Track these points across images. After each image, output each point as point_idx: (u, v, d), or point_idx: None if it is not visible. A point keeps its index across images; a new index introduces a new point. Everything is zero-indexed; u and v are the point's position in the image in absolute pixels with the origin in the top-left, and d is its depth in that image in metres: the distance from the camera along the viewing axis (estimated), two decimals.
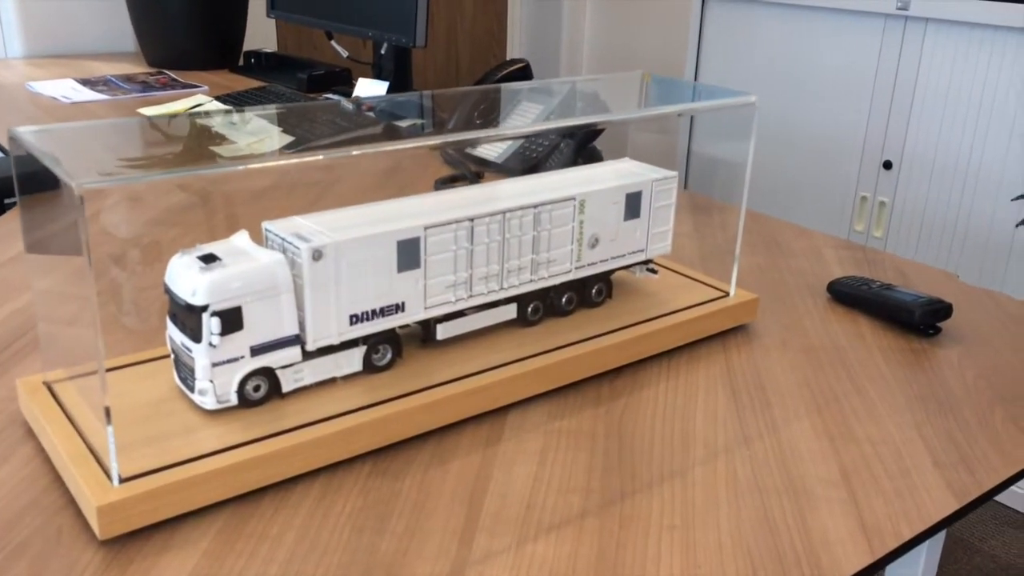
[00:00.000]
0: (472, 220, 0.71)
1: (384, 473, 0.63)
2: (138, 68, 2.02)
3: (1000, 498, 1.92)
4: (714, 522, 0.59)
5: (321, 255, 0.63)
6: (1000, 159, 1.75)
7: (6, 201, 1.15)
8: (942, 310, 0.86)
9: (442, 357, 0.72)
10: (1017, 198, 1.32)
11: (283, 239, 0.65)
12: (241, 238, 0.66)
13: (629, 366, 0.78)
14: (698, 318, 0.82)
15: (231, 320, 0.61)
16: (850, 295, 0.92)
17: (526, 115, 1.41)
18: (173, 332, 0.64)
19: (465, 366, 0.71)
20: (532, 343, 0.75)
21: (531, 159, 1.30)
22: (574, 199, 0.77)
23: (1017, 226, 1.48)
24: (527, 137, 1.35)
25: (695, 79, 2.27)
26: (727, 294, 0.86)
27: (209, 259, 0.62)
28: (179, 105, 1.62)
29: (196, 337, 0.60)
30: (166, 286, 0.63)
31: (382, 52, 1.61)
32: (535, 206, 0.75)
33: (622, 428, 0.69)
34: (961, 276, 1.86)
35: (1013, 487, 1.90)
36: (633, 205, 0.81)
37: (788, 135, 2.11)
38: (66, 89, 1.72)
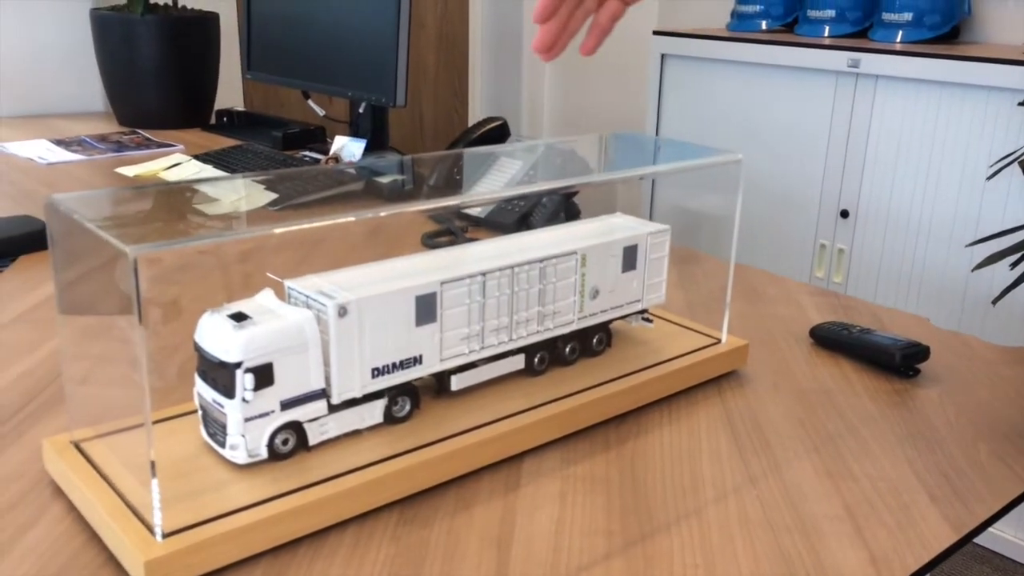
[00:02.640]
0: (484, 275, 0.74)
1: (411, 521, 0.65)
2: (110, 128, 2.03)
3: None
4: (733, 559, 0.62)
5: (346, 311, 0.66)
6: (951, 208, 1.84)
7: None
8: (920, 352, 0.91)
9: (456, 407, 0.75)
10: (973, 243, 1.39)
11: (307, 296, 0.67)
12: (266, 296, 0.68)
13: (632, 412, 0.81)
14: (694, 364, 0.86)
15: (263, 376, 0.63)
16: (832, 340, 0.97)
17: (505, 172, 1.46)
18: (202, 389, 0.65)
19: (479, 415, 0.74)
20: (540, 392, 0.78)
21: (514, 214, 1.34)
22: (576, 253, 0.80)
23: (974, 270, 1.56)
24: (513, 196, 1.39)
25: (657, 132, 2.35)
26: (719, 341, 0.90)
27: (240, 317, 0.64)
28: (158, 165, 1.64)
29: (229, 393, 0.62)
30: (196, 344, 0.65)
31: (360, 111, 1.65)
32: (541, 260, 0.78)
33: (634, 471, 0.72)
34: None
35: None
36: (630, 258, 0.85)
37: (749, 186, 2.19)
38: (40, 150, 1.73)
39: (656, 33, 2.28)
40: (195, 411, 0.70)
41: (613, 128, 3.02)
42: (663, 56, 2.28)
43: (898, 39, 2.04)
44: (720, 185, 2.21)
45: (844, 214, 2.03)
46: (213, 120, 2.11)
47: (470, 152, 1.43)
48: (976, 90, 1.76)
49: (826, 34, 2.16)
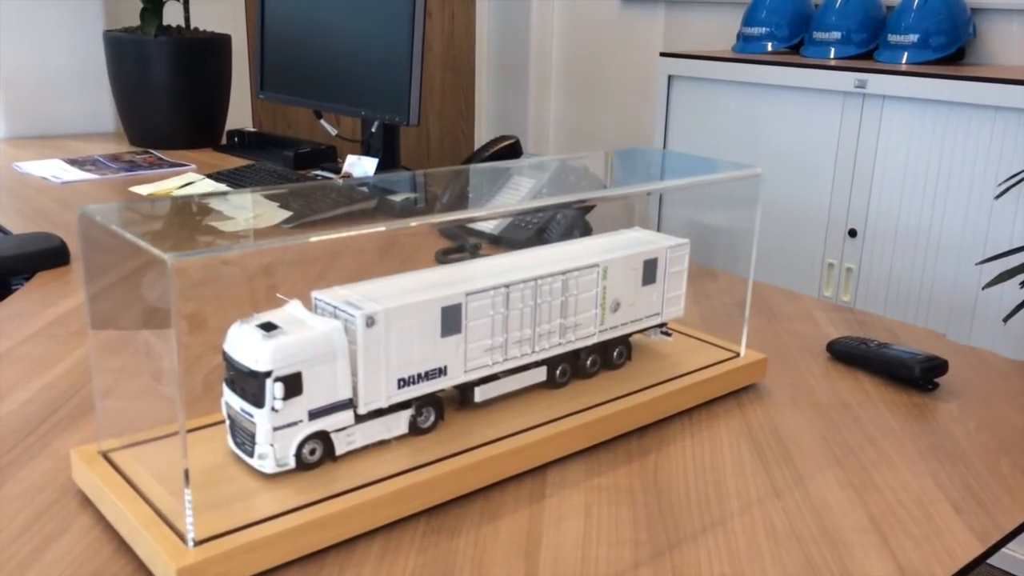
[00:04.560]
0: (508, 287, 0.74)
1: (438, 531, 0.65)
2: (121, 148, 2.04)
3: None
4: (761, 570, 0.62)
5: (374, 321, 0.66)
6: (959, 227, 1.85)
7: (12, 281, 1.16)
8: (939, 366, 0.91)
9: (480, 418, 0.75)
10: (983, 261, 1.40)
11: (335, 307, 0.68)
12: (294, 307, 0.68)
13: (654, 424, 0.82)
14: (714, 378, 0.86)
15: (292, 385, 0.63)
16: (850, 354, 0.97)
17: (518, 189, 1.46)
18: (230, 398, 0.66)
19: (502, 427, 0.74)
20: (561, 404, 0.78)
21: (528, 231, 1.35)
22: (598, 266, 0.81)
23: (984, 288, 1.56)
24: (526, 212, 1.40)
25: None
26: (738, 354, 0.90)
27: (269, 327, 0.64)
28: (171, 183, 1.65)
29: (258, 402, 0.62)
30: (225, 353, 0.65)
31: (372, 130, 1.66)
32: (563, 273, 0.78)
33: (658, 482, 0.72)
34: None
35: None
36: (650, 271, 0.86)
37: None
38: (55, 169, 1.74)
39: (663, 55, 2.30)
40: (221, 422, 0.71)
41: (620, 146, 3.04)
42: (670, 77, 2.30)
43: (904, 60, 2.05)
44: (731, 201, 2.22)
45: (852, 233, 2.03)
46: (224, 140, 2.12)
47: (482, 167, 1.44)
48: (983, 110, 1.78)
49: (832, 56, 2.18)
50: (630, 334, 0.86)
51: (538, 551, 0.63)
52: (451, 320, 0.71)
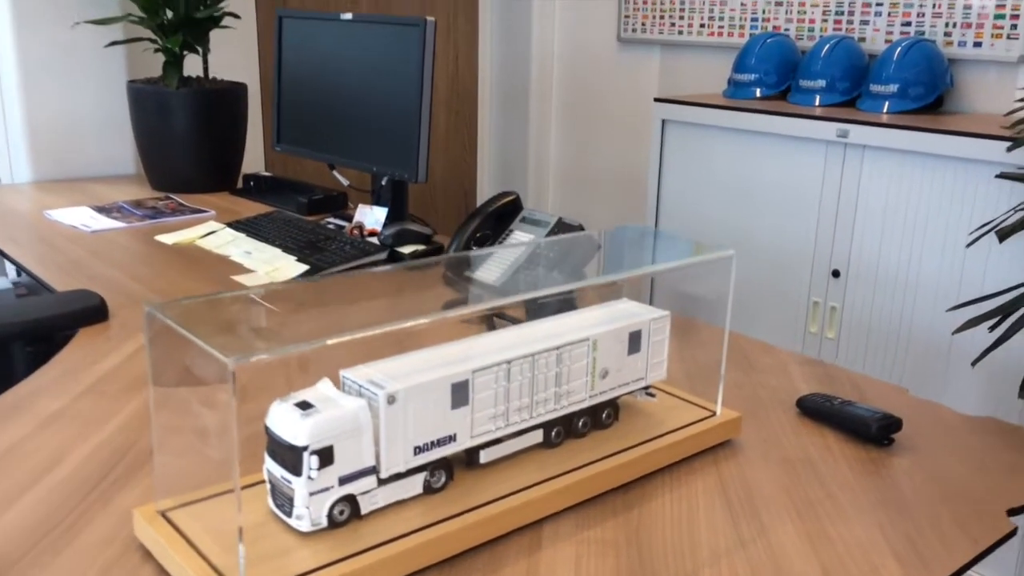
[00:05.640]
0: (509, 363, 0.85)
1: None
2: (143, 192, 2.16)
3: None
4: None
5: (394, 399, 0.77)
6: (935, 271, 1.96)
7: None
8: (894, 424, 1.02)
9: (485, 478, 0.86)
10: (953, 308, 1.51)
11: (360, 385, 0.79)
12: (325, 385, 0.79)
13: (638, 480, 0.92)
14: (692, 436, 0.97)
15: (325, 457, 0.74)
16: (817, 410, 1.08)
17: (519, 242, 1.57)
18: (271, 466, 0.76)
19: (504, 486, 0.85)
20: (556, 463, 0.89)
21: (530, 280, 1.46)
22: (588, 340, 0.92)
23: (954, 333, 1.67)
24: (525, 263, 1.51)
25: (658, 194, 2.47)
26: (714, 413, 1.01)
27: (305, 405, 0.75)
28: (193, 232, 1.76)
29: (297, 471, 0.73)
30: (267, 428, 0.76)
31: (382, 183, 1.77)
32: (558, 347, 0.89)
33: (639, 536, 0.83)
34: (906, 377, 2.05)
35: None
36: (635, 341, 0.97)
37: (746, 245, 2.31)
38: (84, 217, 1.85)
39: (657, 100, 2.42)
40: (257, 482, 0.81)
41: (616, 182, 3.15)
42: (664, 121, 2.41)
43: (885, 109, 2.17)
44: (717, 260, 2.33)
45: (836, 273, 2.14)
46: (240, 184, 2.24)
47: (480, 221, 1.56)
48: (956, 161, 1.89)
49: (817, 103, 2.29)
50: (618, 397, 0.97)
51: None
52: (460, 394, 0.82)
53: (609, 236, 1.09)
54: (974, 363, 1.69)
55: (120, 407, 1.04)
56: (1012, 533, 0.88)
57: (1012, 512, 0.90)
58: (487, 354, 0.85)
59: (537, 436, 0.91)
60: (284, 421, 0.74)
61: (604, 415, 0.96)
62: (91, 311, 1.27)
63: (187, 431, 0.86)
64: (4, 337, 1.20)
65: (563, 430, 0.93)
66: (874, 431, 1.01)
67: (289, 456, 0.74)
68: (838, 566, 0.79)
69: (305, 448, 0.73)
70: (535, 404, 0.89)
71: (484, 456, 0.87)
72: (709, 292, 2.31)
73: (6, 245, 1.69)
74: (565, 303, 1.42)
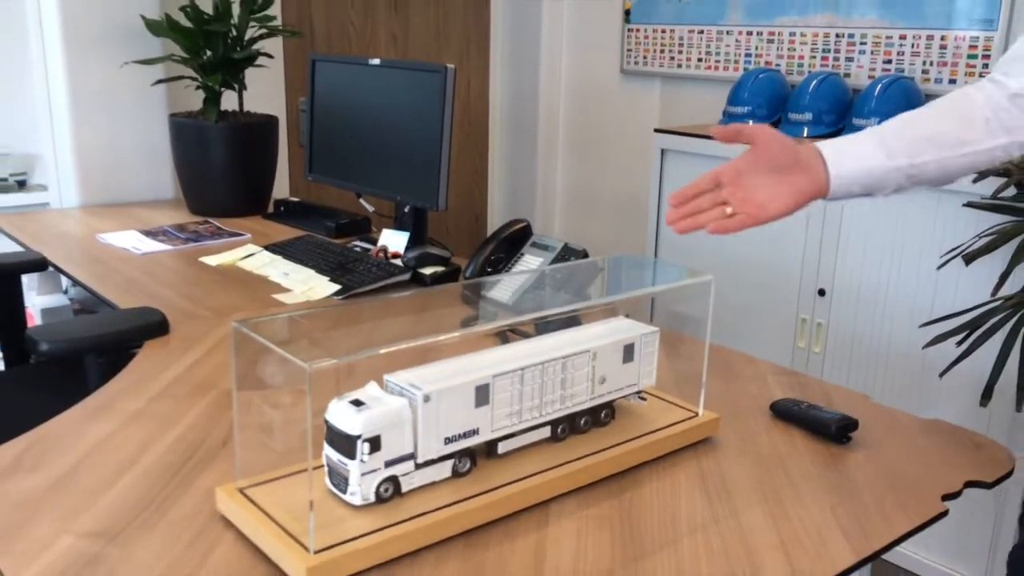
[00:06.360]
0: (523, 369, 1.03)
1: (473, 547, 0.93)
2: (182, 215, 2.35)
3: (896, 560, 2.23)
4: (698, 573, 0.89)
5: (429, 399, 0.95)
6: (911, 290, 2.13)
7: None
8: (851, 424, 1.19)
9: (502, 465, 1.03)
10: (925, 324, 1.67)
11: (401, 387, 0.96)
12: (372, 387, 0.97)
13: (630, 469, 1.09)
14: (677, 433, 1.14)
15: (375, 444, 0.91)
16: (787, 413, 1.25)
17: (529, 266, 1.75)
18: (329, 452, 0.94)
19: (518, 471, 1.02)
20: (561, 454, 1.06)
21: (538, 300, 1.64)
22: (589, 351, 1.09)
23: (923, 348, 1.83)
24: (535, 285, 1.68)
25: (657, 218, 2.65)
26: (697, 414, 1.18)
27: (358, 403, 0.92)
28: (234, 255, 1.94)
29: (351, 456, 0.91)
30: (327, 421, 0.93)
31: (405, 210, 1.95)
32: (563, 358, 1.07)
33: (631, 514, 1.00)
34: (883, 387, 2.22)
35: (902, 549, 2.21)
36: (629, 353, 1.14)
37: (739, 265, 2.48)
38: (133, 241, 2.04)
39: (657, 131, 2.60)
40: (317, 466, 0.99)
41: (618, 206, 3.33)
42: (663, 151, 2.59)
43: None
44: (710, 266, 2.50)
45: (821, 292, 2.31)
46: (271, 208, 2.42)
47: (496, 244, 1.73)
48: (929, 191, 2.06)
49: (805, 134, 2.47)
50: (614, 400, 1.14)
51: (543, 564, 0.91)
52: (482, 395, 1.00)
53: (611, 262, 1.27)
54: (941, 375, 1.86)
55: (189, 407, 1.21)
56: (944, 513, 1.04)
57: (946, 497, 1.07)
58: (504, 362, 1.03)
59: (546, 431, 1.08)
60: (341, 415, 0.92)
61: (603, 415, 1.14)
62: (155, 326, 1.45)
63: (257, 425, 1.04)
64: (82, 349, 1.38)
65: (567, 427, 1.10)
66: (833, 431, 1.18)
67: (345, 444, 0.91)
68: (793, 538, 0.96)
69: (359, 437, 0.90)
70: (544, 404, 1.06)
71: (502, 447, 1.04)
72: (697, 311, 2.48)
73: (66, 265, 1.88)
74: (570, 319, 1.60)
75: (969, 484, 1.11)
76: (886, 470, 1.12)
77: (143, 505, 0.98)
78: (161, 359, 1.37)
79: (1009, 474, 1.14)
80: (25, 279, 1.97)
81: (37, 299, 2.08)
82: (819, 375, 2.35)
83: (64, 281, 2.19)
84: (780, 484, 1.08)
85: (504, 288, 1.74)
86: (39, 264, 1.90)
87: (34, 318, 2.06)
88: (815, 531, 0.98)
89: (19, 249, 2.02)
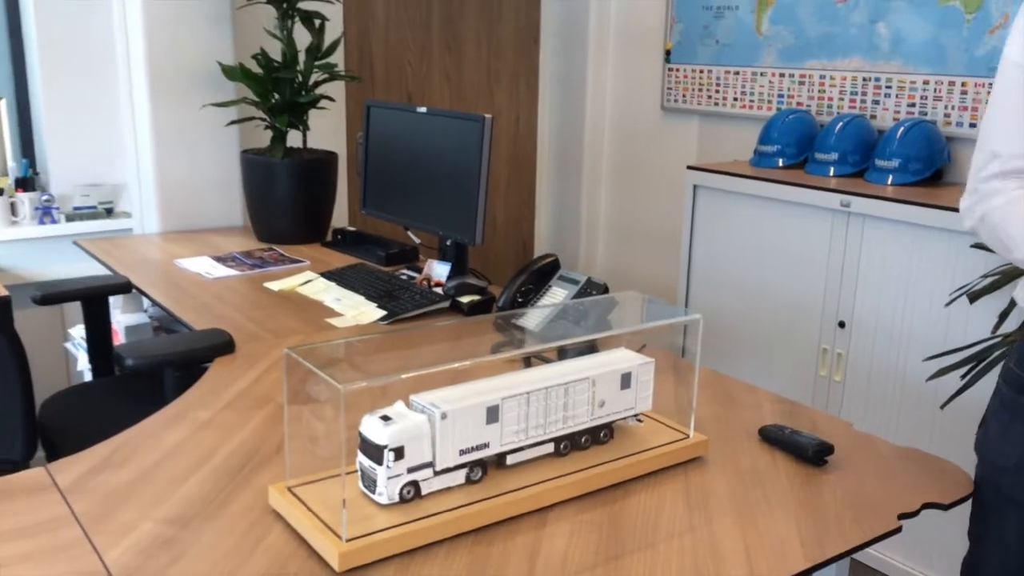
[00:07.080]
0: (529, 393, 1.20)
1: (481, 543, 1.10)
2: (249, 241, 2.58)
3: (866, 560, 2.32)
4: (670, 571, 1.06)
5: (447, 416, 1.13)
6: (923, 325, 2.24)
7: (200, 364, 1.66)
8: (827, 449, 1.34)
9: (510, 474, 1.21)
10: (930, 358, 1.79)
11: (423, 406, 1.15)
12: (399, 405, 1.15)
13: (624, 482, 1.26)
14: (668, 452, 1.30)
15: (399, 453, 1.10)
16: (772, 437, 1.40)
17: (555, 296, 1.93)
18: (362, 459, 1.12)
19: (523, 480, 1.19)
20: (563, 467, 1.23)
21: (560, 328, 1.81)
22: (589, 379, 1.26)
23: (927, 380, 1.96)
24: (559, 314, 1.85)
25: (690, 251, 2.80)
26: (688, 436, 1.34)
27: (386, 418, 1.11)
28: (294, 281, 2.16)
29: (379, 462, 1.09)
30: (360, 433, 1.12)
31: (447, 243, 2.15)
32: (566, 383, 1.24)
33: (620, 520, 1.16)
34: (899, 416, 2.33)
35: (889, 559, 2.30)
36: (626, 381, 1.30)
37: (763, 297, 2.62)
38: (206, 266, 2.27)
39: (690, 168, 2.75)
40: (351, 471, 1.18)
41: (657, 237, 3.49)
42: (695, 187, 2.75)
43: (889, 182, 2.47)
44: (732, 296, 2.64)
45: (841, 324, 2.44)
46: (329, 237, 2.64)
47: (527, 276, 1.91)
48: (939, 232, 2.18)
49: (831, 173, 2.60)
50: (612, 421, 1.31)
51: (537, 558, 1.08)
52: (493, 414, 1.17)
53: (623, 298, 1.44)
54: (942, 406, 1.98)
55: (251, 418, 1.42)
56: (897, 530, 1.19)
57: (902, 516, 1.21)
58: (513, 387, 1.20)
59: (549, 447, 1.25)
60: (372, 428, 1.10)
61: (602, 434, 1.31)
62: (223, 345, 1.66)
63: (305, 435, 1.24)
64: (161, 364, 1.59)
65: (569, 444, 1.27)
66: (810, 454, 1.33)
67: (375, 452, 1.10)
68: (756, 544, 1.12)
69: (386, 446, 1.09)
70: (548, 424, 1.23)
71: (510, 460, 1.22)
72: (712, 343, 2.62)
73: (148, 289, 2.12)
74: (588, 346, 1.77)
75: (927, 505, 1.24)
76: (852, 491, 1.27)
77: (210, 498, 1.18)
78: (228, 375, 1.58)
79: (967, 497, 1.28)
80: (112, 299, 2.21)
81: (121, 317, 2.32)
82: (839, 402, 2.48)
83: (145, 301, 2.44)
84: (755, 499, 1.23)
85: (532, 318, 1.92)
86: (125, 287, 2.14)
87: (119, 335, 2.30)
88: (776, 539, 1.13)
89: (107, 272, 2.27)
